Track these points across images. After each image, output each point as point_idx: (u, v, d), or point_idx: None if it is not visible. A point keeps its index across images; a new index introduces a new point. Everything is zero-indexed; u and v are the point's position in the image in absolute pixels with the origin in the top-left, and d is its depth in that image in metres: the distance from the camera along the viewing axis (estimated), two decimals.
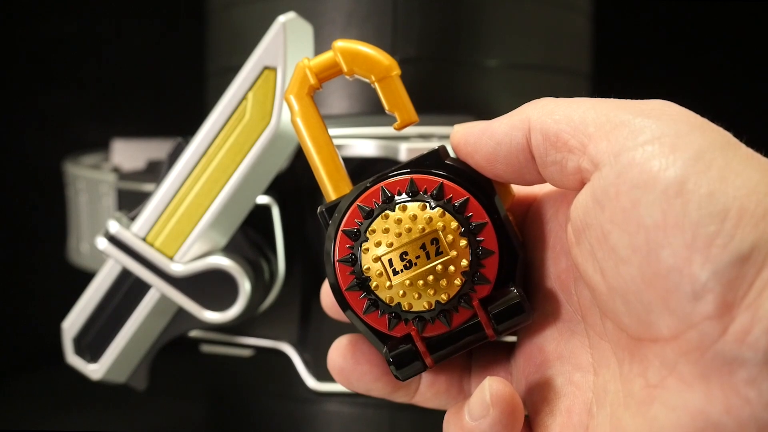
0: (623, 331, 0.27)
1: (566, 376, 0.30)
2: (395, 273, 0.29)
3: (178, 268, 0.40)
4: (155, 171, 0.48)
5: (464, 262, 0.29)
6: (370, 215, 0.30)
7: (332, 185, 0.31)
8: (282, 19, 0.38)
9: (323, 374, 0.44)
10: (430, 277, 0.29)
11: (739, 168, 0.25)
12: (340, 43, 0.31)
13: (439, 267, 0.29)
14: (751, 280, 0.24)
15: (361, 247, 0.30)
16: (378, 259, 0.29)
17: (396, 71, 0.31)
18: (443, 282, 0.29)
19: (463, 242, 0.29)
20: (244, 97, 0.39)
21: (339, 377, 0.32)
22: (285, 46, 0.38)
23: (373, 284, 0.29)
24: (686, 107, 0.28)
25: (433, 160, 0.31)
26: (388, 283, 0.29)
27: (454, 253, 0.29)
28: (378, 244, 0.29)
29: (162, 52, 0.80)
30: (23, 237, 0.78)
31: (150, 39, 0.80)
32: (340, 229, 0.30)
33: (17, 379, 0.71)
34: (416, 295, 0.29)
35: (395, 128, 0.31)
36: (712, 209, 0.24)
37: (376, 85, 0.31)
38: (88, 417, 0.63)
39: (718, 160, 0.25)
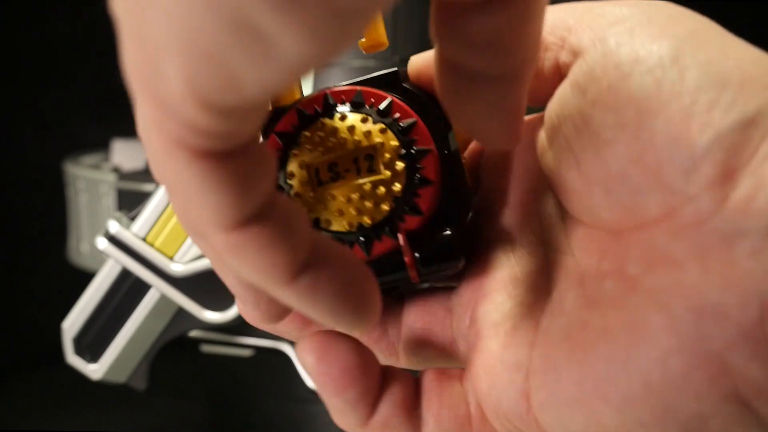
0: (599, 230, 0.24)
1: (518, 299, 0.26)
2: (320, 184, 0.26)
3: (178, 268, 0.40)
4: None
5: (397, 187, 0.26)
6: (307, 120, 0.27)
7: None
8: None
9: None
10: (355, 195, 0.26)
11: (737, 45, 0.23)
12: None
13: (368, 186, 0.26)
14: (757, 145, 0.22)
15: (290, 151, 0.26)
16: (305, 165, 0.26)
17: (384, 42, 0.28)
18: (369, 203, 0.26)
19: (400, 165, 0.26)
20: None
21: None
22: None
23: (293, 192, 0.26)
24: None
25: (389, 81, 0.28)
26: (310, 194, 0.26)
27: (387, 173, 0.26)
28: (309, 150, 0.26)
29: None
30: (23, 237, 0.78)
31: None
32: (274, 130, 0.27)
33: (17, 379, 0.71)
34: (338, 213, 0.26)
35: (361, 48, 0.28)
36: (713, 76, 0.22)
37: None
38: (88, 417, 0.63)
39: (714, 38, 0.23)
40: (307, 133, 0.26)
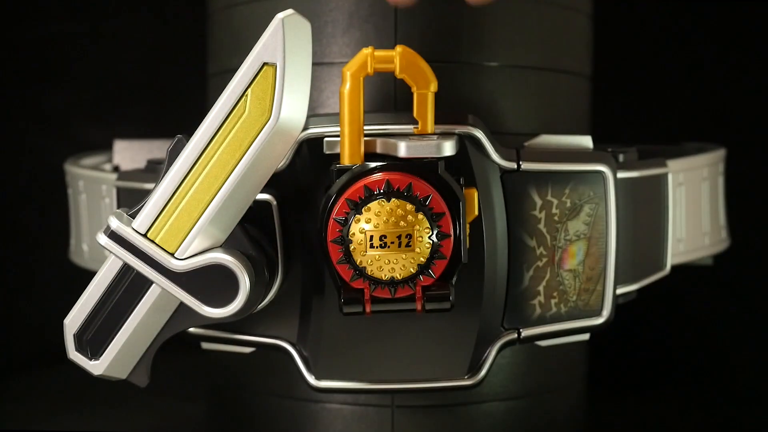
0: None
1: None
2: (371, 247, 0.39)
3: (179, 263, 0.40)
4: (156, 171, 0.48)
5: (422, 259, 0.39)
6: (370, 196, 0.39)
7: (349, 152, 0.40)
8: (281, 15, 0.39)
9: (323, 372, 0.44)
10: (395, 260, 0.39)
11: None
12: (401, 49, 0.40)
13: (405, 256, 0.39)
14: None
15: (354, 216, 0.39)
16: (363, 231, 0.39)
17: (434, 89, 0.40)
18: (402, 266, 0.39)
19: (429, 245, 0.39)
20: (243, 93, 0.39)
21: None
22: (284, 42, 0.38)
23: (352, 247, 0.39)
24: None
25: (431, 168, 0.40)
26: (363, 252, 0.39)
27: (418, 250, 0.39)
28: (368, 221, 0.39)
29: (163, 54, 0.80)
30: (23, 237, 0.78)
31: (151, 40, 0.80)
32: (344, 196, 0.40)
33: (17, 379, 0.71)
34: (380, 268, 0.39)
35: (414, 132, 0.42)
36: None
37: (415, 94, 0.41)
38: (88, 417, 0.63)
39: None
40: (369, 206, 0.39)
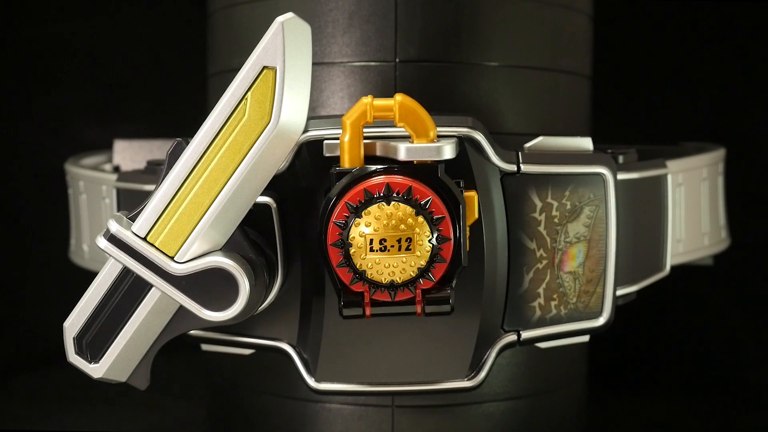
0: None
1: None
2: (371, 250, 0.39)
3: (179, 267, 0.40)
4: (156, 172, 0.48)
5: (422, 262, 0.39)
6: (370, 200, 0.39)
7: (349, 155, 0.40)
8: (281, 19, 0.39)
9: (323, 374, 0.44)
10: (395, 263, 0.39)
11: None
12: (400, 98, 0.40)
13: (405, 259, 0.39)
14: None
15: (354, 219, 0.39)
16: (363, 235, 0.39)
17: (433, 136, 0.40)
18: (402, 270, 0.39)
19: (429, 248, 0.39)
20: (243, 97, 0.39)
21: None
22: (284, 46, 0.38)
23: (352, 251, 0.39)
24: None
25: (431, 172, 0.40)
26: (363, 255, 0.39)
27: (418, 253, 0.39)
28: (368, 224, 0.39)
29: (163, 54, 0.80)
30: (24, 237, 0.78)
31: (151, 40, 0.80)
32: (344, 200, 0.39)
33: (17, 379, 0.71)
34: (380, 271, 0.39)
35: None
36: None
37: (413, 140, 0.40)
38: (88, 417, 0.63)
39: None
40: (369, 210, 0.39)
